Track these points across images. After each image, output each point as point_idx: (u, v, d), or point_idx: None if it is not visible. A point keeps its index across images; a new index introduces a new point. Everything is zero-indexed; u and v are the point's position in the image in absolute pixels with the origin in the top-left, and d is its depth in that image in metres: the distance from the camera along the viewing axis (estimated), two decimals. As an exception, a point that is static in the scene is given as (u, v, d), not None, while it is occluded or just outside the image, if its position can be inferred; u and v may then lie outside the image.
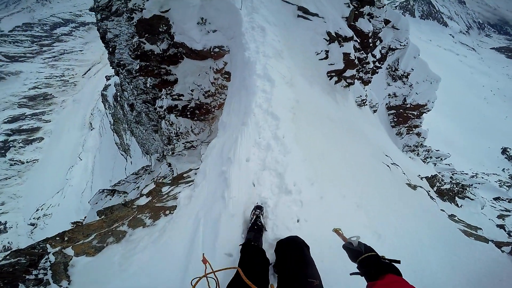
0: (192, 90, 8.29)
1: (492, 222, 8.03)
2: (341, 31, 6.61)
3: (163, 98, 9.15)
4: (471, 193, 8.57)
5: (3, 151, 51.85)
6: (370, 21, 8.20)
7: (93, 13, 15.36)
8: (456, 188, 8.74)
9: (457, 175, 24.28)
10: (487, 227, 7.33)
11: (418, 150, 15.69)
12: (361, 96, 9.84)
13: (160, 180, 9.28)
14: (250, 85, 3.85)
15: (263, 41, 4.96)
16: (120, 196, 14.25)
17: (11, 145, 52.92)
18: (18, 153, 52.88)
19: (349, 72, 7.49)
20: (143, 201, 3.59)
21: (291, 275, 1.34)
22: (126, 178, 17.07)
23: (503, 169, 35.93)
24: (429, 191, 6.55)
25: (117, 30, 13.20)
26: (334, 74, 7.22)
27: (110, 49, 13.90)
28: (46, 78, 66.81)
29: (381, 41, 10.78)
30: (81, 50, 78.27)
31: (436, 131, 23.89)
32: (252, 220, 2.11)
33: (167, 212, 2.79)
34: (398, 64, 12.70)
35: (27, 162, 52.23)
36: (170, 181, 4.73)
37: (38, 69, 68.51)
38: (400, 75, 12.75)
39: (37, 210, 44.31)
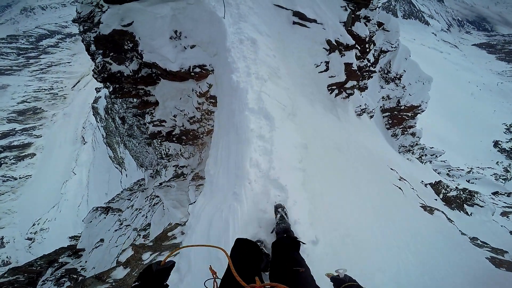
0: (174, 116, 7.13)
1: (505, 229, 7.73)
2: (342, 38, 5.85)
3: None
4: (480, 199, 8.31)
5: (-6, 168, 50.33)
6: (366, 25, 7.72)
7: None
8: (464, 195, 8.49)
9: (453, 171, 24.91)
10: (501, 236, 7.10)
11: (413, 149, 16.12)
12: (360, 105, 9.82)
13: (140, 241, 8.81)
14: (242, 127, 2.91)
15: (255, 57, 4.03)
16: (114, 214, 14.12)
17: (2, 162, 51.45)
18: (10, 170, 51.42)
19: (350, 83, 7.05)
20: (120, 273, 2.96)
21: (278, 266, 1.47)
22: (120, 194, 16.99)
23: (497, 162, 37.04)
24: (442, 211, 5.72)
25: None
26: (335, 87, 6.68)
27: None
28: (35, 92, 65.36)
29: (375, 45, 10.89)
30: (69, 62, 76.95)
31: (429, 129, 24.63)
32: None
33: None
34: (390, 67, 13.04)
35: (20, 178, 50.83)
36: (152, 243, 4.03)
37: (26, 82, 67.01)
38: (392, 77, 13.11)
39: (33, 225, 43.35)
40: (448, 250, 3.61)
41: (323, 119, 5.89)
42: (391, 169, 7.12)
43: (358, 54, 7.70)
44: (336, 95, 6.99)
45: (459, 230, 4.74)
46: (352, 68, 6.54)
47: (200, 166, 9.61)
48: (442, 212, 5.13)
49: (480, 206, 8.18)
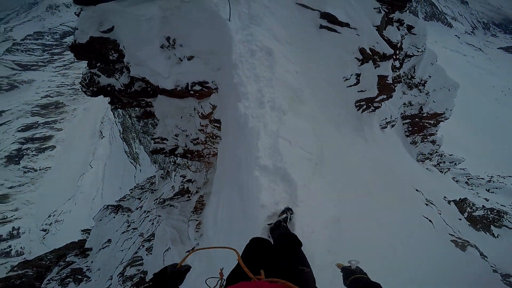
0: (176, 135, 6.31)
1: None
2: (378, 46, 4.89)
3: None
4: (509, 221, 7.79)
5: (17, 159, 53.26)
6: (399, 29, 6.86)
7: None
8: (491, 215, 8.00)
9: (472, 180, 23.80)
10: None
11: (432, 156, 15.43)
12: (385, 118, 9.01)
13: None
14: (249, 197, 2.16)
15: (271, 76, 3.05)
16: (124, 214, 14.44)
17: (24, 153, 54.32)
18: (31, 161, 54.20)
19: (380, 97, 6.07)
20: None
21: (283, 261, 1.44)
22: (131, 193, 17.44)
23: (520, 171, 34.98)
24: (475, 245, 5.22)
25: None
26: (364, 103, 5.71)
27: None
28: (58, 87, 68.60)
29: (402, 50, 10.36)
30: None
31: (448, 135, 23.50)
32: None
33: None
34: (414, 72, 12.42)
35: (39, 169, 53.53)
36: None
37: (50, 78, 70.54)
38: (416, 83, 12.50)
39: (49, 216, 45.45)
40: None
41: (352, 148, 5.20)
42: (416, 190, 6.79)
43: (395, 64, 6.94)
44: (363, 110, 6.11)
45: (491, 266, 4.48)
46: (387, 81, 5.58)
47: (205, 187, 9.32)
48: (475, 247, 4.77)
49: (509, 228, 7.62)
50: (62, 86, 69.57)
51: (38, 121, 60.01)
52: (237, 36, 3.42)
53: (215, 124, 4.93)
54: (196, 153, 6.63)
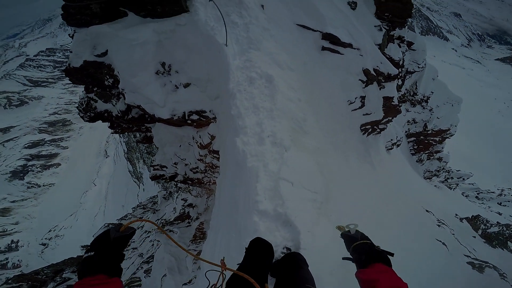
0: (175, 163, 6.09)
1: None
2: (382, 66, 4.72)
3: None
4: None
5: (21, 175, 53.75)
6: (400, 46, 6.74)
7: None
8: (508, 232, 7.71)
9: (482, 194, 23.24)
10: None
11: (439, 173, 15.11)
12: (391, 139, 8.82)
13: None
14: (247, 240, 1.96)
15: (272, 107, 2.85)
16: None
17: (29, 169, 54.93)
18: (35, 177, 54.72)
19: (386, 119, 5.87)
20: None
21: (290, 278, 1.37)
22: (133, 212, 17.32)
23: (530, 183, 33.91)
24: (494, 265, 5.02)
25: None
26: (369, 126, 5.44)
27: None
28: (66, 104, 70.55)
29: (403, 67, 10.04)
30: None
31: (455, 150, 23.23)
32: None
33: None
34: (416, 88, 12.46)
35: (43, 185, 53.89)
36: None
37: (59, 95, 72.69)
38: (419, 99, 12.48)
39: (49, 231, 45.06)
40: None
41: (359, 178, 4.96)
42: (427, 211, 6.61)
43: (400, 83, 6.81)
44: (368, 134, 5.85)
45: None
46: (393, 102, 5.36)
47: (205, 214, 9.13)
48: (493, 267, 4.56)
49: None
50: (70, 104, 71.53)
51: (45, 138, 61.25)
52: (234, 62, 3.19)
53: (214, 155, 4.61)
54: (196, 180, 6.43)
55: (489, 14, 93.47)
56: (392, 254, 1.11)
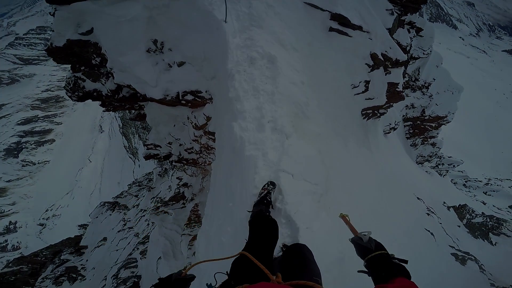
0: (169, 143, 5.86)
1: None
2: (391, 52, 4.50)
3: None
4: (508, 229, 7.76)
5: (15, 152, 53.24)
6: (409, 32, 6.48)
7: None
8: (490, 223, 7.98)
9: (470, 182, 23.87)
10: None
11: (431, 159, 15.36)
12: (389, 124, 8.76)
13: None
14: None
15: (273, 89, 2.62)
16: (120, 212, 14.35)
17: (23, 146, 54.32)
18: (30, 154, 54.20)
19: (387, 104, 5.74)
20: None
21: (297, 271, 1.36)
22: (129, 190, 17.41)
23: (518, 174, 34.94)
24: (475, 257, 5.23)
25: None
26: (370, 111, 5.36)
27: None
28: (59, 81, 68.17)
29: (409, 52, 10.13)
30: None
31: (448, 137, 23.48)
32: (262, 195, 1.88)
33: None
34: (418, 74, 12.24)
35: (38, 163, 53.56)
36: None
37: (51, 72, 70.12)
38: (420, 85, 12.36)
39: (46, 211, 45.59)
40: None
41: (357, 163, 4.91)
42: (418, 198, 6.72)
43: (403, 69, 6.42)
44: (369, 118, 5.79)
45: (489, 279, 4.47)
46: (397, 89, 5.23)
47: (200, 195, 8.96)
48: (475, 260, 4.70)
49: (507, 236, 7.62)
50: (62, 81, 69.08)
51: (38, 115, 59.91)
52: (234, 40, 2.93)
53: (210, 136, 4.41)
54: (191, 160, 6.27)
55: (504, 6, 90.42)
56: (406, 262, 1.04)
